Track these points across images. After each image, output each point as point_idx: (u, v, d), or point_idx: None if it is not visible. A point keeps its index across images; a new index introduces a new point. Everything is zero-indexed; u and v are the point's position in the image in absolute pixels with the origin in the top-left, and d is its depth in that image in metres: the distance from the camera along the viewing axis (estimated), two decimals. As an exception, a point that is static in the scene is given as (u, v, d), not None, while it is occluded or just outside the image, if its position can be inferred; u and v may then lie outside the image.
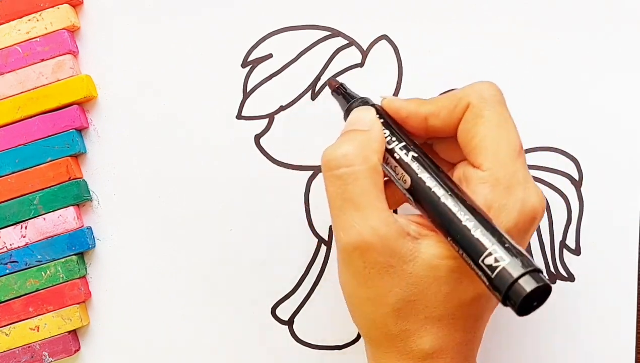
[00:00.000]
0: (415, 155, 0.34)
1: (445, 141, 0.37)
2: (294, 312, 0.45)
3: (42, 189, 0.44)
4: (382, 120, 0.36)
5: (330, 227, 0.44)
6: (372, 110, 0.36)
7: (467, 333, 0.35)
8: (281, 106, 0.45)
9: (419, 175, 0.33)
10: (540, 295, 0.29)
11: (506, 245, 0.30)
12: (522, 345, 0.43)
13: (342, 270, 0.35)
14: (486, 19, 0.44)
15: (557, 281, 0.43)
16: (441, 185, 0.32)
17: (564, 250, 0.44)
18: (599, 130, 0.43)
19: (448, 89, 0.44)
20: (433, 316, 0.33)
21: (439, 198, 0.32)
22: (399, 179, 0.34)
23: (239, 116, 0.45)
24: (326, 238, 0.44)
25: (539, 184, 0.43)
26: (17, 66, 0.44)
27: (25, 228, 0.44)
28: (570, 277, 0.43)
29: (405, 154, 0.34)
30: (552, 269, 0.44)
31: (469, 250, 0.31)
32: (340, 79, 0.44)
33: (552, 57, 0.44)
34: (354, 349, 0.44)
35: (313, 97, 0.45)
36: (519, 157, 0.34)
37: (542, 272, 0.29)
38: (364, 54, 0.44)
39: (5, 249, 0.44)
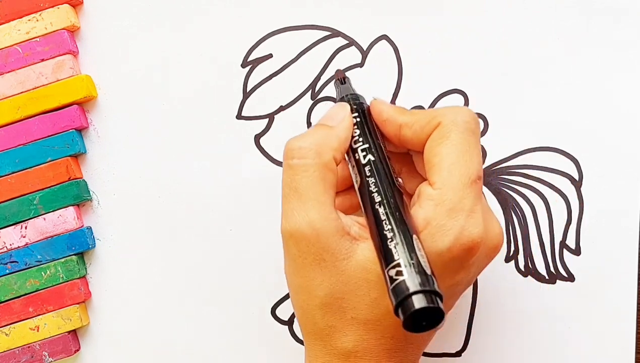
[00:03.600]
0: (372, 159, 0.35)
1: (420, 156, 0.37)
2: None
3: (42, 189, 0.44)
4: (358, 120, 0.37)
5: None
6: (347, 108, 0.37)
7: (397, 342, 0.35)
8: (281, 106, 0.45)
9: (367, 178, 0.35)
10: (432, 317, 0.30)
11: (412, 262, 0.31)
12: (522, 344, 0.43)
13: (284, 255, 0.36)
14: (486, 19, 0.44)
15: (557, 281, 0.43)
16: (381, 193, 0.34)
17: (564, 250, 0.44)
18: (599, 130, 0.43)
19: (448, 90, 0.44)
20: (359, 318, 0.34)
21: (375, 203, 0.34)
22: (355, 178, 0.36)
23: (239, 116, 0.45)
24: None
25: (539, 184, 0.44)
26: (17, 66, 0.44)
27: (25, 228, 0.44)
28: (570, 277, 0.43)
29: (364, 156, 0.35)
30: (552, 269, 0.44)
31: (382, 257, 0.32)
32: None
33: (552, 57, 0.44)
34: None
35: (313, 97, 0.45)
36: (472, 185, 0.34)
37: (439, 295, 0.30)
38: (364, 54, 0.44)
39: (5, 249, 0.44)
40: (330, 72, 0.44)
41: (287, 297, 0.44)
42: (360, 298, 0.34)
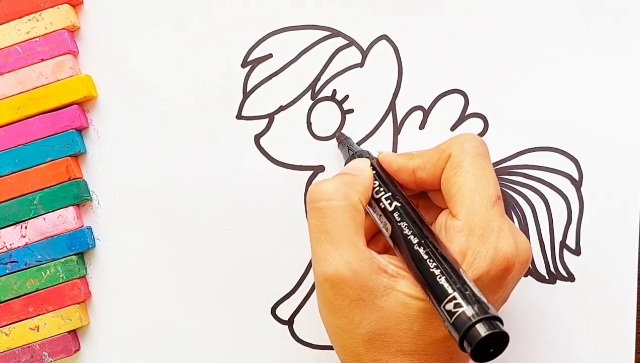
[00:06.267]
0: (399, 205, 0.36)
1: (437, 192, 0.38)
2: (294, 312, 0.45)
3: (42, 189, 0.44)
4: (375, 172, 0.38)
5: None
6: (367, 161, 0.39)
7: None
8: (281, 106, 0.45)
9: (399, 224, 0.35)
10: (498, 342, 0.31)
11: (467, 292, 0.31)
12: (522, 344, 0.43)
13: (317, 298, 0.36)
14: (486, 19, 0.44)
15: (557, 281, 0.43)
16: (417, 234, 0.35)
17: (564, 250, 0.44)
18: (599, 130, 0.43)
19: (448, 90, 0.44)
20: (404, 350, 0.34)
21: (413, 245, 0.34)
22: (383, 226, 0.36)
23: (239, 116, 0.45)
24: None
25: (539, 184, 0.44)
26: (17, 66, 0.44)
27: (25, 228, 0.44)
28: (570, 277, 0.43)
29: (390, 203, 0.36)
30: (552, 269, 0.44)
31: (434, 295, 0.32)
32: (340, 78, 0.44)
33: (552, 57, 0.44)
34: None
35: (313, 97, 0.45)
36: (494, 206, 0.35)
37: (500, 320, 0.31)
38: (364, 54, 0.44)
39: (5, 249, 0.44)
40: (330, 72, 0.44)
41: (287, 297, 0.44)
42: (404, 332, 0.34)
